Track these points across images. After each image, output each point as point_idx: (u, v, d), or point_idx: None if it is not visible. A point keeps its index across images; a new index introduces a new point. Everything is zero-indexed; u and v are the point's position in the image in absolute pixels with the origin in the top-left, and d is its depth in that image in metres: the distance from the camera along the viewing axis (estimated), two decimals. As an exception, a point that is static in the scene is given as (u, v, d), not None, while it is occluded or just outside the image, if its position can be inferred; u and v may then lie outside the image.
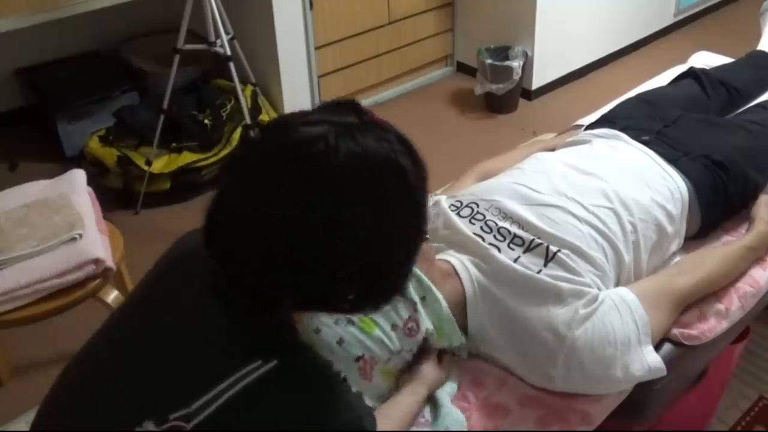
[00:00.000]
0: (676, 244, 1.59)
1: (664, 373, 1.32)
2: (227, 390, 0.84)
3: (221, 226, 0.86)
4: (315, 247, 0.83)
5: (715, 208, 1.63)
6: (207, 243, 0.88)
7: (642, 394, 1.36)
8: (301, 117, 0.86)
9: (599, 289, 1.34)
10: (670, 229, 1.54)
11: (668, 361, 1.38)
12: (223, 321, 0.89)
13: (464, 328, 1.33)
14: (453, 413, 1.24)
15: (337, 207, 0.82)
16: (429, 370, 1.27)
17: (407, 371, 1.28)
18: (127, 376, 0.90)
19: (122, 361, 0.92)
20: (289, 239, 0.82)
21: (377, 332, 1.20)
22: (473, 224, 1.41)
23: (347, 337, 1.18)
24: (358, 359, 1.18)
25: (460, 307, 1.32)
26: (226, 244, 0.86)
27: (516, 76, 3.24)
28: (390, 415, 1.17)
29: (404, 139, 0.89)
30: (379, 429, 0.95)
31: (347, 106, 0.88)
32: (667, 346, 1.41)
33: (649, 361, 1.30)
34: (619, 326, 1.28)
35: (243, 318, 0.89)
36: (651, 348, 1.32)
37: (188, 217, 2.76)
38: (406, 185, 0.86)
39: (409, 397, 1.22)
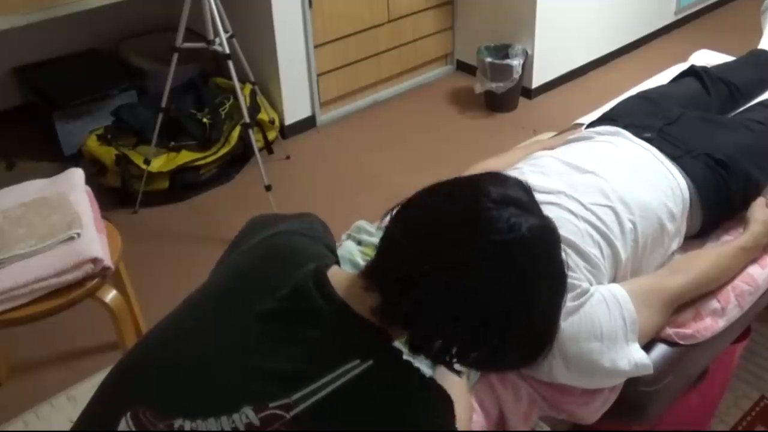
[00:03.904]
0: (676, 243, 1.59)
1: (651, 371, 1.33)
2: (328, 385, 0.88)
3: (401, 284, 0.90)
4: (500, 312, 0.89)
5: (716, 207, 1.62)
6: (385, 313, 0.92)
7: (642, 394, 1.35)
8: (485, 194, 0.91)
9: (590, 284, 1.34)
10: (671, 227, 1.53)
11: (668, 361, 1.39)
12: (328, 319, 0.93)
13: None
14: None
15: (531, 282, 0.90)
16: None
17: None
18: (227, 359, 0.92)
19: (220, 342, 0.94)
20: (476, 306, 0.89)
21: None
22: None
23: None
24: None
25: None
26: (409, 305, 0.90)
27: (516, 75, 3.23)
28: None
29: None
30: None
31: (516, 182, 0.97)
32: (666, 347, 1.41)
33: (635, 357, 1.30)
34: (606, 321, 1.29)
35: (348, 320, 0.93)
36: (638, 345, 1.32)
37: (187, 216, 2.76)
38: (559, 248, 0.95)
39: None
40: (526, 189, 0.96)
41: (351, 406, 0.89)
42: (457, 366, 0.95)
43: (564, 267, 0.95)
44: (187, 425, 0.88)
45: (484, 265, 0.87)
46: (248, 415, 0.87)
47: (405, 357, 0.97)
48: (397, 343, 0.97)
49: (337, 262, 1.04)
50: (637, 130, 1.68)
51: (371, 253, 1.31)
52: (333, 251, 1.08)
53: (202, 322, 0.98)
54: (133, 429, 0.89)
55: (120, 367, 1.00)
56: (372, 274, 0.94)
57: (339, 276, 0.97)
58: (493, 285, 0.88)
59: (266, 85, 3.14)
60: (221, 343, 0.93)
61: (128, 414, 0.90)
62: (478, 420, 1.25)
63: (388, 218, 0.98)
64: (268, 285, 0.96)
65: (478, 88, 3.33)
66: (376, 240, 1.36)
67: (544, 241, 0.91)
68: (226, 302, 0.98)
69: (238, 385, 0.89)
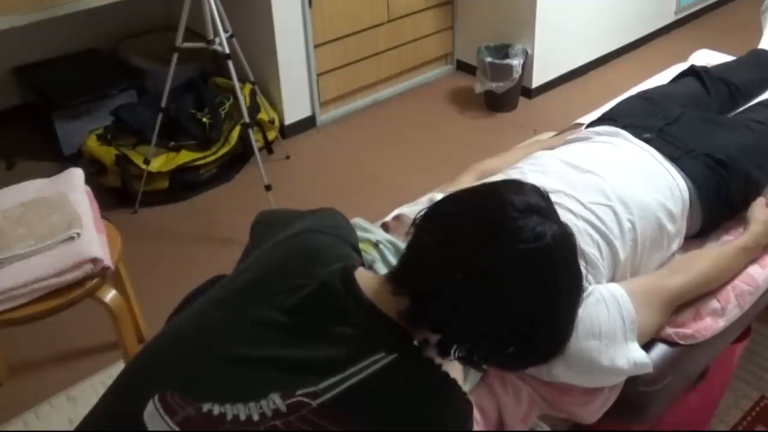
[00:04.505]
0: (677, 243, 1.59)
1: (650, 370, 1.32)
2: (354, 375, 0.91)
3: (432, 291, 0.93)
4: (528, 312, 0.93)
5: (716, 207, 1.62)
6: (414, 317, 0.95)
7: (642, 394, 1.35)
8: (510, 203, 0.94)
9: (589, 284, 1.34)
10: (670, 227, 1.53)
11: (668, 361, 1.39)
12: (355, 317, 0.96)
13: None
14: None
15: (553, 287, 0.94)
16: None
17: None
18: (254, 348, 0.94)
19: (249, 333, 0.95)
20: (503, 313, 0.92)
21: None
22: None
23: None
24: None
25: None
26: (440, 311, 0.93)
27: (516, 75, 3.23)
28: None
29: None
30: None
31: (534, 188, 0.99)
32: (666, 347, 1.40)
33: (635, 356, 1.30)
34: (605, 320, 1.28)
35: (375, 318, 0.96)
36: (637, 344, 1.32)
37: (187, 215, 2.75)
38: (576, 252, 0.98)
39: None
40: (543, 195, 0.99)
41: (376, 396, 0.92)
42: (483, 366, 0.99)
43: (581, 269, 0.98)
44: (216, 409, 0.90)
45: (511, 273, 0.91)
46: (275, 401, 0.89)
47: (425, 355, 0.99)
48: (416, 343, 0.99)
49: (362, 263, 1.07)
50: (637, 131, 1.68)
51: (368, 249, 1.31)
52: (357, 251, 1.11)
53: (230, 313, 1.00)
54: (162, 411, 0.91)
55: (147, 353, 1.02)
56: (400, 279, 0.97)
57: (366, 277, 1.00)
58: (520, 291, 0.91)
59: (266, 85, 3.14)
60: (249, 334, 0.95)
61: (156, 397, 0.92)
62: (476, 427, 1.25)
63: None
64: (294, 282, 0.98)
65: (478, 88, 3.32)
66: (370, 236, 1.36)
67: (564, 247, 0.95)
68: (253, 296, 1.00)
69: (265, 373, 0.92)
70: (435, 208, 1.01)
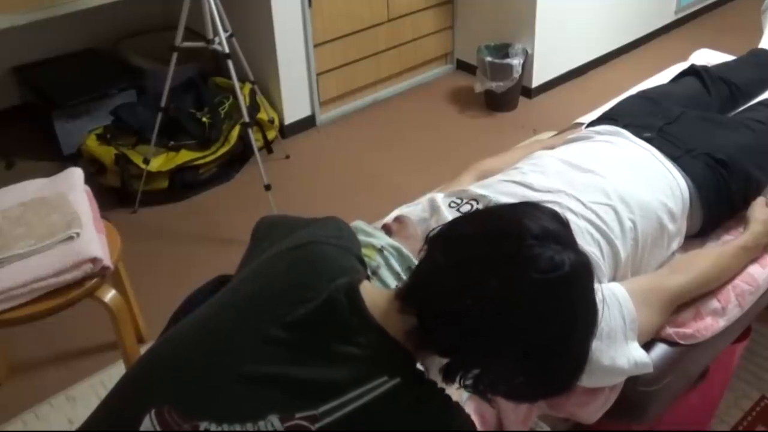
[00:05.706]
0: (677, 243, 1.59)
1: (651, 369, 1.32)
2: (355, 400, 0.89)
3: (443, 315, 0.91)
4: (541, 342, 0.91)
5: (717, 207, 1.62)
6: (422, 339, 0.92)
7: (642, 394, 1.35)
8: (527, 228, 0.92)
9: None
10: (671, 226, 1.53)
11: (668, 361, 1.38)
12: (358, 335, 0.93)
13: None
14: None
15: (570, 317, 0.92)
16: None
17: None
18: (255, 365, 0.91)
19: (249, 348, 0.93)
20: (514, 341, 0.90)
21: None
22: None
23: None
24: None
25: None
26: (451, 335, 0.91)
27: (516, 74, 3.23)
28: None
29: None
30: None
31: (553, 214, 0.97)
32: (666, 346, 1.40)
33: (635, 356, 1.30)
34: (605, 319, 1.28)
35: (378, 338, 0.93)
36: (637, 344, 1.32)
37: (186, 215, 2.75)
38: (593, 281, 0.96)
39: None
40: (561, 221, 0.97)
41: (377, 422, 0.89)
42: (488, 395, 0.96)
43: (596, 300, 0.95)
44: (213, 428, 0.88)
45: (525, 302, 0.88)
46: (273, 423, 0.87)
47: (428, 378, 0.97)
48: (419, 365, 0.97)
49: (367, 275, 1.04)
50: (637, 130, 1.68)
51: (372, 255, 1.31)
52: (361, 261, 1.08)
53: (231, 325, 0.97)
54: (158, 427, 0.89)
55: (145, 363, 1.00)
56: (411, 298, 0.94)
57: (372, 293, 0.97)
58: (534, 320, 0.89)
59: (266, 85, 3.14)
60: (250, 349, 0.93)
61: (153, 411, 0.90)
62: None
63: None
64: (298, 295, 0.96)
65: (478, 88, 3.32)
66: (374, 240, 1.35)
67: (582, 277, 0.93)
68: (255, 308, 0.98)
69: (264, 392, 0.90)
70: (449, 228, 0.98)
